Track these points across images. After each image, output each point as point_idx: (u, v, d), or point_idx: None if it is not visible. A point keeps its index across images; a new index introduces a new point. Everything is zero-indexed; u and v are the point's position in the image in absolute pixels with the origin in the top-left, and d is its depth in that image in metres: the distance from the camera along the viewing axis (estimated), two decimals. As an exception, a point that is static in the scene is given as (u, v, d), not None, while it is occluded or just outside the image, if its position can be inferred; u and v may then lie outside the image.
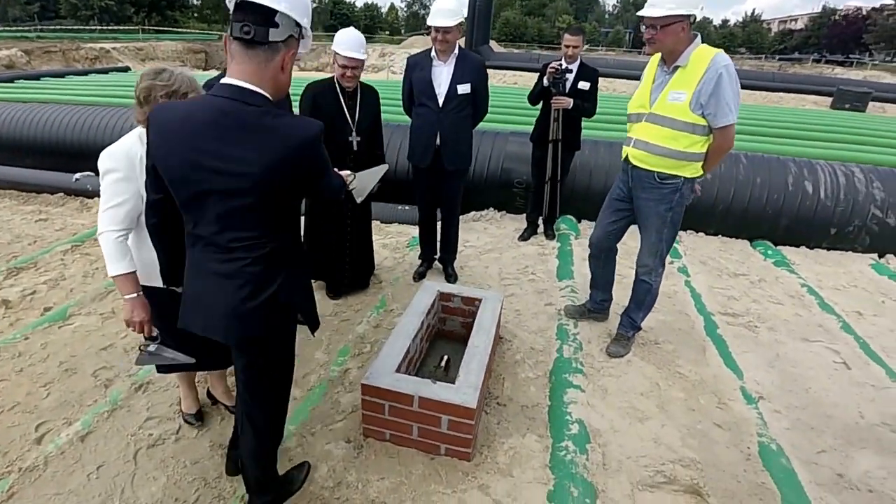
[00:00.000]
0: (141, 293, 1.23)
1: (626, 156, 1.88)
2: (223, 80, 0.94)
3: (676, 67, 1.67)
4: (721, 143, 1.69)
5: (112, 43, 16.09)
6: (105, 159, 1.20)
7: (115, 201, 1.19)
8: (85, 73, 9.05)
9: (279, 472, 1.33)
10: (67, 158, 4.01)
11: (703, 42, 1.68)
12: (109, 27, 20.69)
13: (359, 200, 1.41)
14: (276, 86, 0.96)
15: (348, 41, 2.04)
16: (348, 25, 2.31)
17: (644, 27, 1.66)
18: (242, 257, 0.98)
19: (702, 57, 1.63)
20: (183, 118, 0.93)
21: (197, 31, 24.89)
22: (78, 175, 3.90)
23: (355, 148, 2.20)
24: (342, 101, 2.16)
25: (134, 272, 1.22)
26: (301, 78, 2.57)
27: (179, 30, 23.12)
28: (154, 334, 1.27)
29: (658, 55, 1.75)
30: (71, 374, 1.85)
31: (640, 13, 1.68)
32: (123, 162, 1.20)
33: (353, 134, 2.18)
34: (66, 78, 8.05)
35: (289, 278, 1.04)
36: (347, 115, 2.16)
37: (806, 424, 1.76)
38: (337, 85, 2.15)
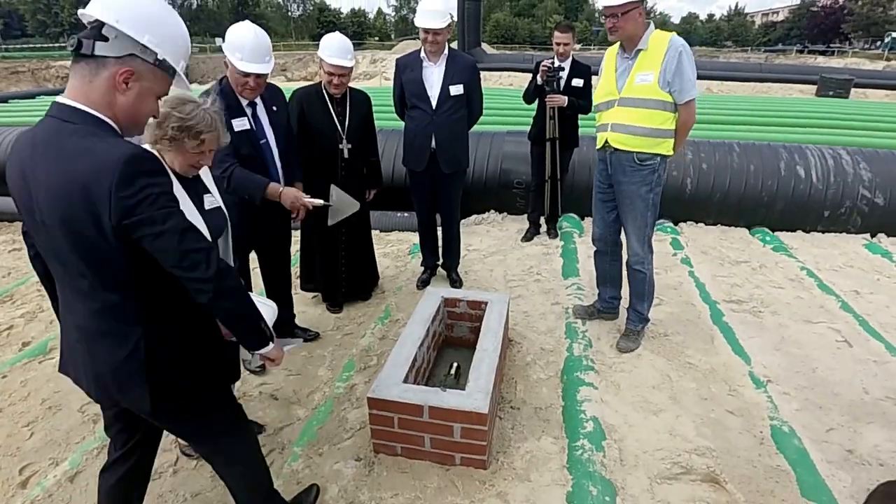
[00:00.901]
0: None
1: (605, 142, 1.99)
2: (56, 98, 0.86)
3: (638, 51, 1.85)
4: (686, 119, 1.88)
5: None
6: None
7: None
8: (57, 92, 8.76)
9: (286, 499, 1.31)
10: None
11: (674, 34, 1.88)
12: None
13: (330, 222, 1.40)
14: (114, 109, 0.85)
15: (333, 48, 2.02)
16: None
17: (605, 18, 1.83)
18: (82, 307, 0.90)
19: (660, 39, 1.83)
20: (25, 142, 0.85)
21: None
22: None
23: (346, 155, 2.21)
24: (330, 107, 2.16)
25: None
26: (287, 88, 2.61)
27: None
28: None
29: (615, 47, 1.95)
30: (56, 412, 1.80)
31: (601, 3, 1.84)
32: None
33: (343, 141, 2.20)
34: (36, 99, 7.81)
35: (154, 335, 0.91)
36: (336, 122, 2.17)
37: (814, 404, 1.85)
38: (324, 91, 2.16)
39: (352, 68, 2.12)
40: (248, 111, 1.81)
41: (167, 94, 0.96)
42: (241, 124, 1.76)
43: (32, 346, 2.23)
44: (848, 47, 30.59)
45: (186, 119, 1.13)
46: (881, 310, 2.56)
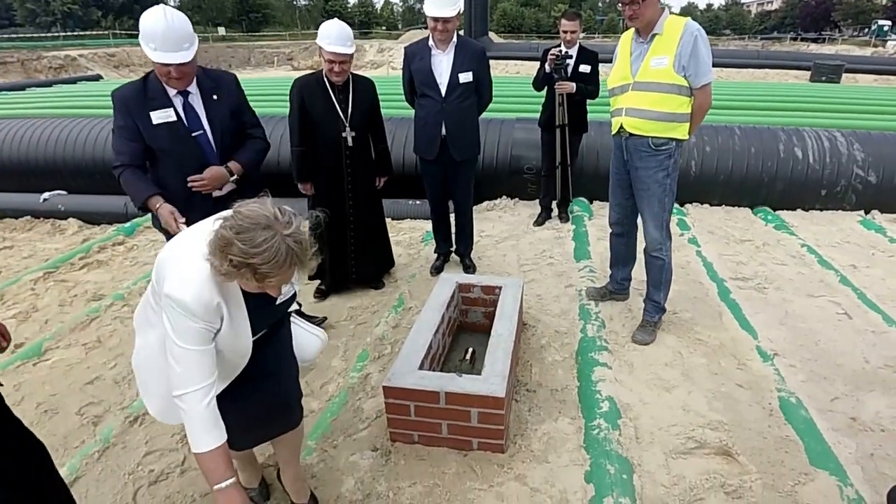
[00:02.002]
0: (235, 479, 0.96)
1: (620, 127, 1.98)
2: None
3: (654, 36, 1.83)
4: (702, 102, 1.86)
5: (79, 49, 15.44)
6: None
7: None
8: (48, 84, 8.44)
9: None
10: (32, 177, 3.72)
11: (689, 18, 1.86)
12: (74, 33, 19.67)
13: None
14: None
15: (333, 35, 1.94)
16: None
17: (624, 6, 1.81)
18: None
19: (675, 24, 1.81)
20: None
21: None
22: (46, 195, 3.59)
23: (350, 143, 2.15)
24: (332, 95, 2.09)
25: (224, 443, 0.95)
26: (288, 77, 2.50)
27: None
28: None
29: (630, 31, 1.93)
30: (52, 416, 1.72)
31: None
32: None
33: (347, 129, 2.13)
34: (26, 91, 7.42)
35: None
36: (339, 110, 2.10)
37: (819, 375, 1.89)
38: (325, 79, 2.09)
39: (352, 55, 2.04)
40: (179, 101, 1.62)
41: None
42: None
43: (26, 347, 2.12)
44: (838, 35, 30.89)
45: (250, 255, 0.86)
46: (877, 282, 2.62)
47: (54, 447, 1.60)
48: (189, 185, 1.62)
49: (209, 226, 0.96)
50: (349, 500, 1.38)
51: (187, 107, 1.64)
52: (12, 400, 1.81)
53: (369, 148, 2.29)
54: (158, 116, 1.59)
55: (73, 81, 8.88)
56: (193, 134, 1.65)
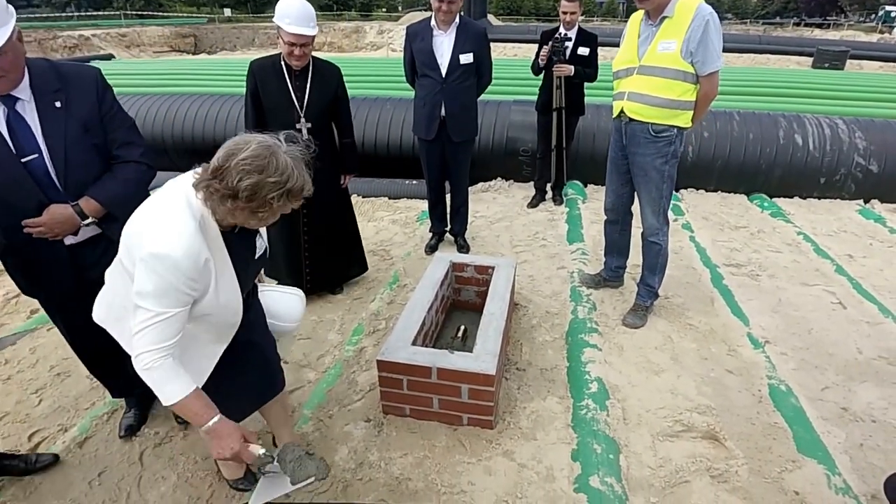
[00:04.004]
0: (220, 415, 0.91)
1: (620, 111, 1.85)
2: None
3: (663, 19, 1.68)
4: (708, 91, 1.71)
5: (92, 30, 15.18)
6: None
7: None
8: (63, 63, 8.44)
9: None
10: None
11: (702, 1, 1.68)
12: (88, 13, 19.73)
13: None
14: None
15: (293, 14, 1.64)
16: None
17: None
18: None
19: (687, 6, 1.65)
20: None
21: (184, 14, 23.59)
22: None
23: (305, 136, 1.82)
24: (288, 81, 1.79)
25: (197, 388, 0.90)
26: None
27: (165, 14, 21.94)
28: (261, 452, 0.94)
29: (639, 13, 1.78)
30: (64, 378, 1.72)
31: None
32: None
33: (302, 120, 1.81)
34: None
35: None
36: (294, 98, 1.78)
37: (810, 364, 1.81)
38: (283, 63, 1.79)
39: (314, 37, 1.73)
40: (0, 111, 1.06)
41: None
42: None
43: (40, 313, 2.09)
44: (844, 20, 29.55)
45: (283, 183, 0.83)
46: (874, 273, 2.50)
47: (66, 408, 1.62)
48: (25, 231, 1.11)
49: (181, 186, 0.89)
50: (343, 468, 1.37)
51: (13, 119, 1.07)
52: (28, 362, 1.83)
53: (331, 141, 1.96)
54: None
55: (87, 60, 9.09)
56: (24, 159, 1.08)
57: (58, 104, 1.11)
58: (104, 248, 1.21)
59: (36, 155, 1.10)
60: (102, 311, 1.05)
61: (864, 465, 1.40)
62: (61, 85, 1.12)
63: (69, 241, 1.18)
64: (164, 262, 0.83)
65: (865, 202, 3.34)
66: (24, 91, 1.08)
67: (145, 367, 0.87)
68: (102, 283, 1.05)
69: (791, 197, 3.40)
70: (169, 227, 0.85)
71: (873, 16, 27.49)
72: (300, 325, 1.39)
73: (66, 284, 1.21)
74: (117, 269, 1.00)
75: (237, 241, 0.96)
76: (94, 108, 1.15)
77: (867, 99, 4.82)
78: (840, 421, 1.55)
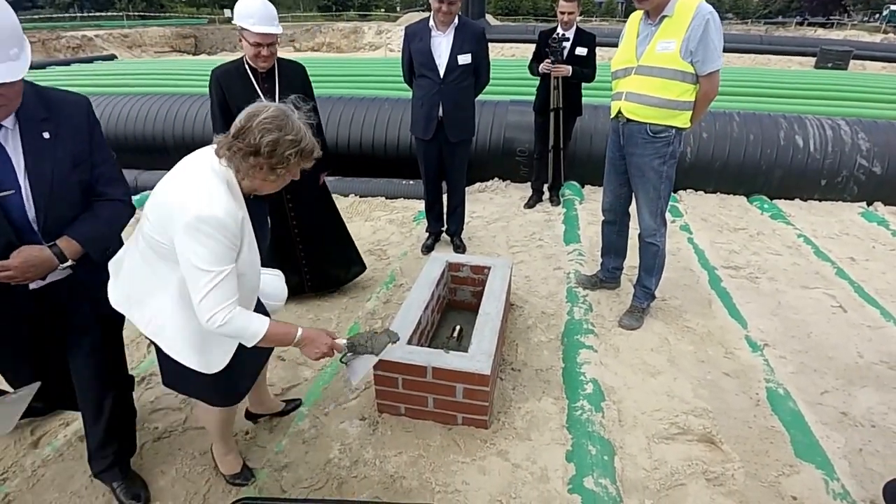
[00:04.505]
0: (298, 328, 1.00)
1: (618, 111, 1.83)
2: None
3: (663, 18, 1.66)
4: (708, 91, 1.69)
5: (95, 30, 15.25)
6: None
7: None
8: (67, 62, 8.50)
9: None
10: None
11: (702, 0, 1.66)
12: (90, 14, 19.96)
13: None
14: None
15: (257, 14, 1.58)
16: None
17: None
18: None
19: (687, 5, 1.62)
20: None
21: (185, 15, 23.71)
22: None
23: None
24: (255, 85, 1.73)
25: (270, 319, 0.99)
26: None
27: (167, 14, 22.08)
28: (343, 342, 1.09)
29: (639, 12, 1.75)
30: None
31: None
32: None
33: None
34: (47, 69, 7.43)
35: None
36: (264, 101, 1.76)
37: (809, 367, 1.78)
38: (247, 66, 1.73)
39: (279, 35, 1.68)
40: None
41: None
42: None
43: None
44: (847, 20, 29.27)
45: (299, 140, 0.95)
46: (876, 276, 2.46)
47: (68, 403, 1.59)
48: None
49: (201, 158, 0.98)
50: (338, 466, 1.37)
51: None
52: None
53: None
54: None
55: (90, 61, 9.03)
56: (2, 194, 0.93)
57: (46, 135, 0.97)
58: (68, 291, 1.06)
59: (12, 191, 0.93)
60: (121, 297, 1.05)
61: (863, 470, 1.37)
62: (49, 114, 0.99)
63: (34, 285, 1.02)
64: (210, 222, 0.89)
65: (868, 204, 3.29)
66: (8, 118, 0.92)
67: (223, 322, 0.92)
68: (65, 336, 1.06)
69: (791, 199, 3.35)
70: (205, 192, 0.91)
71: (877, 15, 27.11)
72: (283, 306, 1.39)
73: (23, 336, 1.07)
74: (136, 255, 1.03)
75: (252, 207, 1.03)
76: (85, 142, 1.02)
77: (870, 100, 4.77)
78: (839, 425, 1.52)
